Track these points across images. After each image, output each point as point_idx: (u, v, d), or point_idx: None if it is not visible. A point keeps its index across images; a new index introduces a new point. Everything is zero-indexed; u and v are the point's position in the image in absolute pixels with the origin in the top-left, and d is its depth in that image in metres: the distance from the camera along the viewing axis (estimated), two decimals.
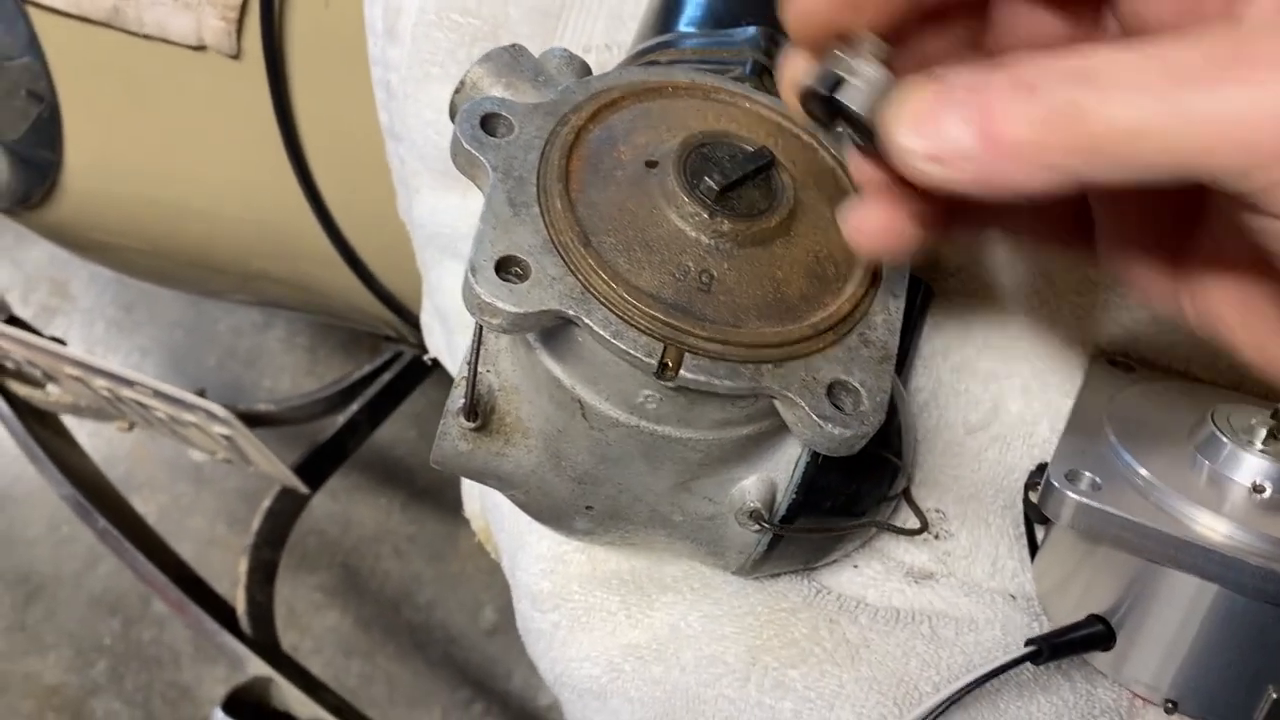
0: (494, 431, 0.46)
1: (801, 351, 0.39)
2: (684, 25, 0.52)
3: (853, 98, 0.31)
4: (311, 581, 1.94)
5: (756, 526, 0.46)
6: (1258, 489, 0.44)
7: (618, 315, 0.38)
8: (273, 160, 0.89)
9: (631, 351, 0.38)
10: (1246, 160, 0.26)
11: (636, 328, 0.38)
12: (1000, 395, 0.53)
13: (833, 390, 0.39)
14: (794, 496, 0.46)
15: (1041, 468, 0.53)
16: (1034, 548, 0.53)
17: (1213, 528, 0.43)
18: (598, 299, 0.38)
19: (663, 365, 0.38)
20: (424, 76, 0.62)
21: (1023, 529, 0.53)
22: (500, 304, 0.37)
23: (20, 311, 2.17)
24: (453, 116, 0.47)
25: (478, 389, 0.45)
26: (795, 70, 0.33)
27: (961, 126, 0.27)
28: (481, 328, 0.44)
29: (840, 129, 0.33)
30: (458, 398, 0.45)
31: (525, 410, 0.46)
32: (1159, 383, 0.53)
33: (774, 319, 0.40)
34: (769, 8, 0.52)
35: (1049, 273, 0.54)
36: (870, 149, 0.32)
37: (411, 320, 1.04)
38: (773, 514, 0.46)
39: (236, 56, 0.84)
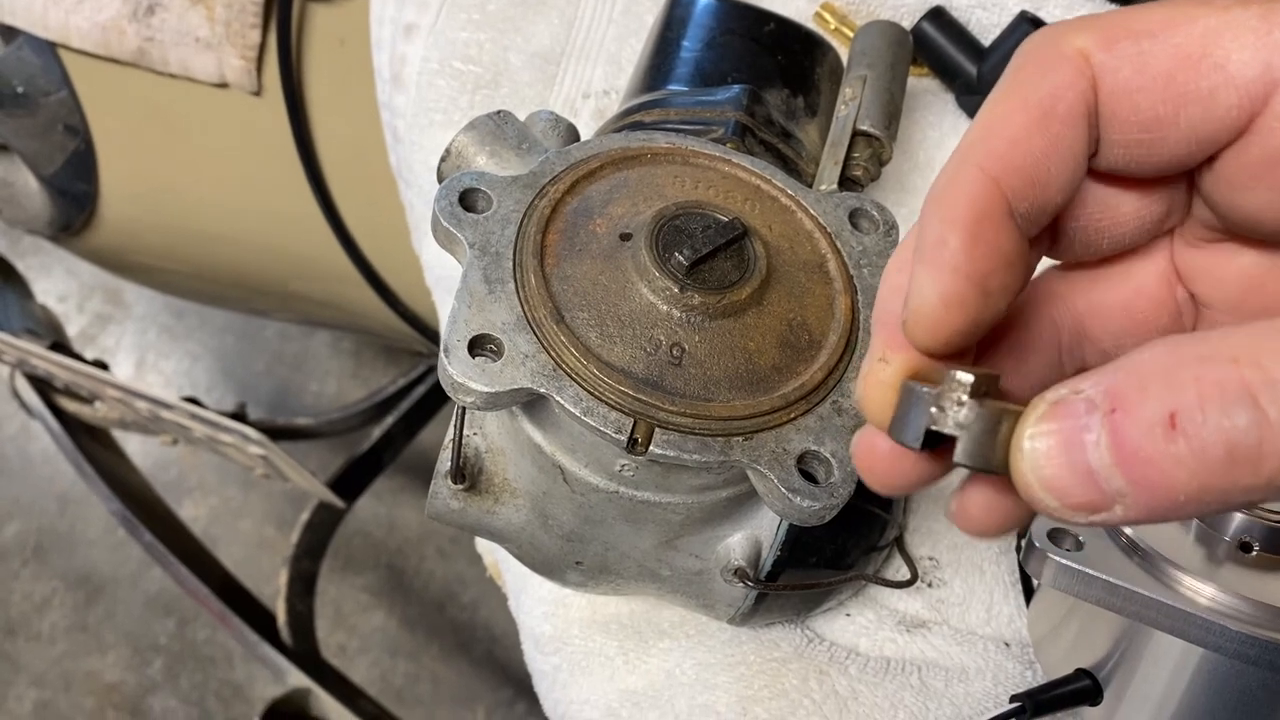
0: (483, 491, 0.47)
1: (773, 422, 0.40)
2: (673, 83, 0.52)
3: (963, 453, 0.25)
4: (358, 582, 1.98)
5: (741, 584, 0.46)
6: (1245, 547, 0.44)
7: (588, 392, 0.39)
8: (296, 189, 0.91)
9: (601, 428, 0.39)
10: None
11: (607, 403, 0.39)
12: None
13: (804, 460, 0.40)
14: (778, 553, 0.46)
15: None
16: (1030, 593, 0.53)
17: (1197, 590, 0.43)
18: (569, 376, 0.39)
19: (633, 440, 0.39)
20: (428, 123, 0.63)
21: (1018, 574, 0.53)
22: (473, 384, 0.38)
23: (75, 319, 2.24)
24: (440, 183, 0.48)
25: (465, 451, 0.46)
26: (883, 391, 0.28)
27: (1110, 479, 0.23)
28: None
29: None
30: (446, 459, 0.46)
31: (512, 472, 0.47)
32: None
33: (745, 391, 0.40)
34: (753, 62, 0.52)
35: None
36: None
37: (438, 340, 1.06)
38: (758, 571, 0.46)
39: (258, 93, 0.86)
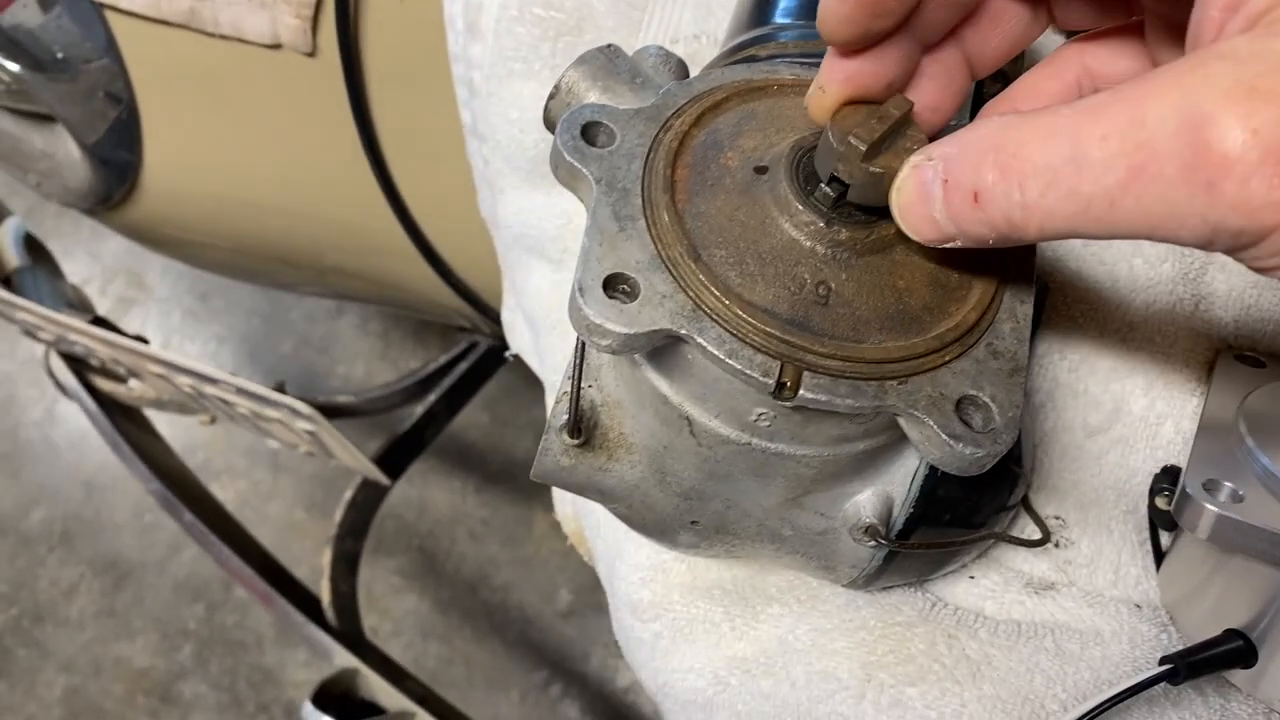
0: (597, 447, 0.45)
1: (927, 365, 0.37)
2: (779, 16, 0.49)
3: (853, 194, 0.37)
4: (390, 565, 1.96)
5: (872, 542, 0.44)
6: None
7: (731, 333, 0.37)
8: (349, 156, 0.89)
9: (748, 371, 0.36)
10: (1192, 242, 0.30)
11: (752, 346, 0.36)
12: (1121, 395, 0.51)
13: (961, 406, 0.37)
14: (911, 511, 0.44)
15: (1166, 471, 0.50)
16: (1159, 554, 0.50)
17: None
18: (710, 316, 0.37)
19: (780, 384, 0.36)
20: (507, 74, 0.61)
21: (1146, 535, 0.51)
22: (610, 325, 0.36)
23: (98, 303, 2.22)
24: (548, 123, 0.45)
25: (580, 403, 0.44)
26: (821, 113, 0.39)
27: (946, 227, 0.34)
28: (584, 343, 0.43)
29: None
30: (560, 414, 0.44)
31: (629, 425, 0.44)
32: None
33: (897, 332, 0.38)
34: None
35: (1168, 264, 0.52)
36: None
37: (489, 313, 1.04)
38: (889, 529, 0.44)
39: (312, 54, 0.83)
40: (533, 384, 0.82)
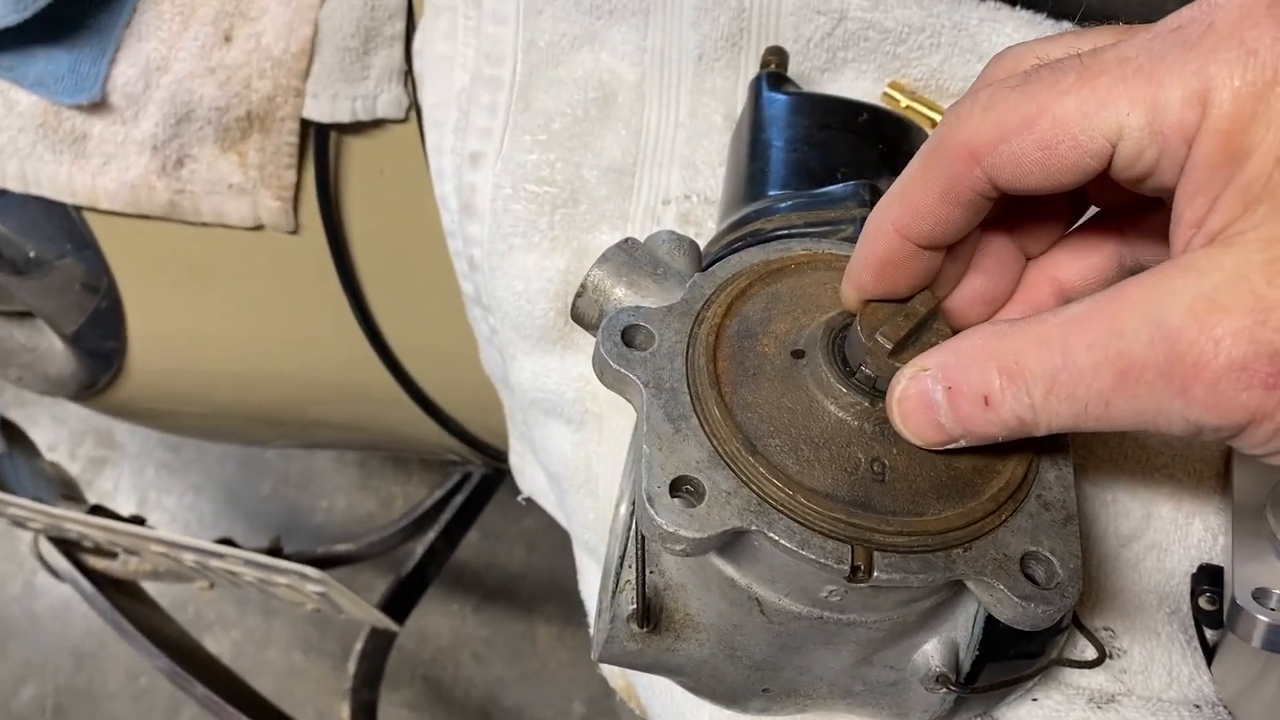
0: (663, 630, 0.45)
1: (987, 528, 0.39)
2: (774, 189, 0.51)
3: (877, 379, 0.40)
4: (396, 699, 1.92)
5: (944, 689, 0.45)
6: None
7: (800, 523, 0.38)
8: (337, 319, 0.90)
9: (821, 560, 0.37)
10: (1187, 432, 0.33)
11: (820, 533, 0.38)
12: (1149, 500, 0.53)
13: (1025, 563, 0.38)
14: (977, 653, 0.45)
15: (1203, 570, 0.52)
16: (1207, 651, 0.52)
17: None
18: (776, 508, 0.38)
19: (855, 568, 0.37)
20: (508, 248, 0.62)
21: (1192, 633, 0.52)
22: (683, 531, 0.37)
23: (68, 466, 2.18)
24: (579, 320, 0.47)
25: (646, 593, 0.45)
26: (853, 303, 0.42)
27: (952, 429, 0.37)
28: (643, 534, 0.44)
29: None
30: (625, 604, 0.45)
31: (694, 606, 0.45)
32: None
33: (954, 498, 0.39)
34: (857, 155, 0.52)
35: None
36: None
37: (485, 449, 1.05)
38: (958, 674, 0.45)
39: (295, 231, 0.84)
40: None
